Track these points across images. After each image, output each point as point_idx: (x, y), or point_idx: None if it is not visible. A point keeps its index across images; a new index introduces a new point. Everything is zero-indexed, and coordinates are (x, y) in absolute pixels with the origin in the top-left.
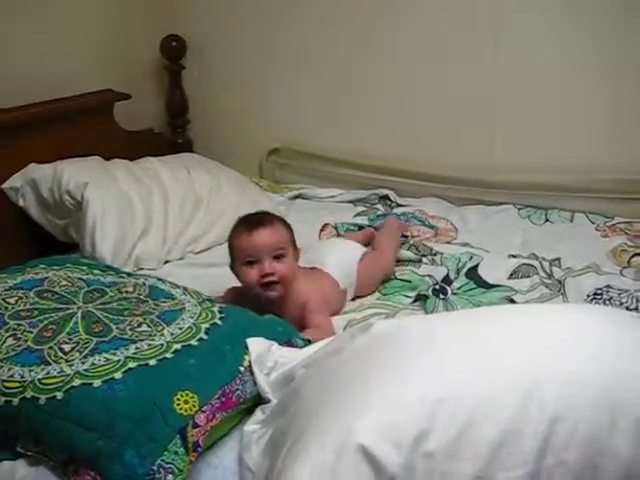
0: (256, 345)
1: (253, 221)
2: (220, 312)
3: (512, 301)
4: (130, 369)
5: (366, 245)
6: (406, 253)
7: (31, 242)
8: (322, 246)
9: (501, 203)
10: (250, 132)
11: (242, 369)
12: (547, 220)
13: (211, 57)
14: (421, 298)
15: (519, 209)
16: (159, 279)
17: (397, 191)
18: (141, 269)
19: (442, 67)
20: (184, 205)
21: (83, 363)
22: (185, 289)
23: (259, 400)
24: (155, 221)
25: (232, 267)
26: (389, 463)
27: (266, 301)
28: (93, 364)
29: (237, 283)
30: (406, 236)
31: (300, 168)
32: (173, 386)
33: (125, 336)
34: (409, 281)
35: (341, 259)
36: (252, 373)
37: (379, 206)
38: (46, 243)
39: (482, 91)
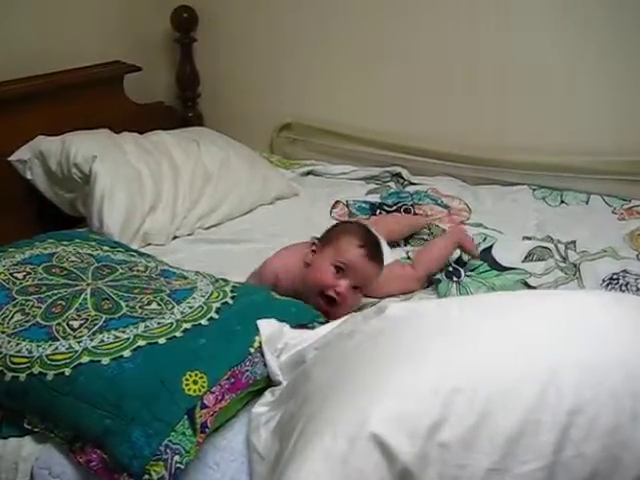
0: (267, 326)
1: (376, 252)
2: (232, 291)
3: (526, 284)
4: (139, 347)
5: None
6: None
7: (39, 216)
8: None
9: (516, 183)
10: (262, 107)
11: (252, 350)
12: (562, 202)
13: (223, 29)
14: (434, 282)
15: (534, 190)
16: (171, 266)
17: (410, 169)
18: (149, 245)
19: (457, 45)
20: (194, 180)
21: (92, 340)
22: (198, 272)
23: (269, 382)
24: (164, 196)
25: (317, 245)
26: (402, 453)
27: (312, 305)
28: (102, 341)
29: (247, 258)
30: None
31: (312, 144)
32: (182, 366)
33: (135, 314)
34: None
35: None
36: (262, 354)
37: (391, 184)
38: (54, 217)
39: (498, 69)
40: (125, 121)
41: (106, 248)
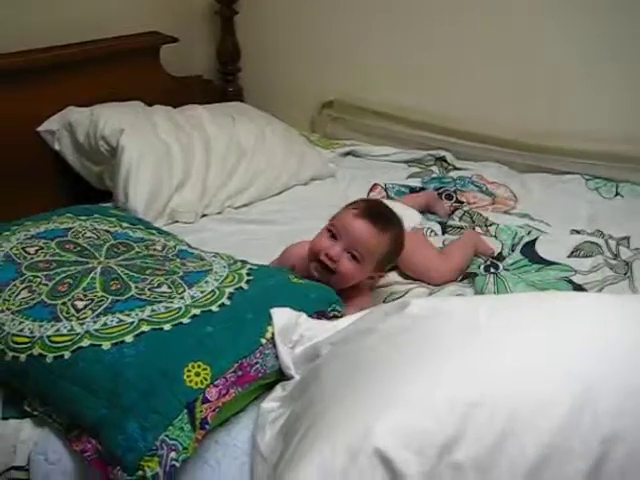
0: (281, 316)
1: (373, 211)
2: (249, 274)
3: (570, 282)
4: (143, 333)
5: (424, 212)
6: (457, 223)
7: (67, 189)
8: None
9: (567, 172)
10: (304, 83)
11: (264, 341)
12: (617, 194)
13: (265, 2)
14: (470, 275)
15: (587, 180)
16: (190, 247)
17: (455, 153)
18: (176, 222)
19: (506, 23)
20: (227, 156)
21: (95, 322)
22: (217, 254)
23: (281, 375)
24: (194, 172)
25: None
26: (409, 472)
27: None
28: (105, 324)
29: (271, 241)
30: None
31: (354, 123)
32: (185, 355)
33: (143, 296)
34: None
35: None
36: (275, 346)
37: (434, 168)
38: (84, 190)
39: (550, 50)
40: (161, 94)
41: (125, 225)
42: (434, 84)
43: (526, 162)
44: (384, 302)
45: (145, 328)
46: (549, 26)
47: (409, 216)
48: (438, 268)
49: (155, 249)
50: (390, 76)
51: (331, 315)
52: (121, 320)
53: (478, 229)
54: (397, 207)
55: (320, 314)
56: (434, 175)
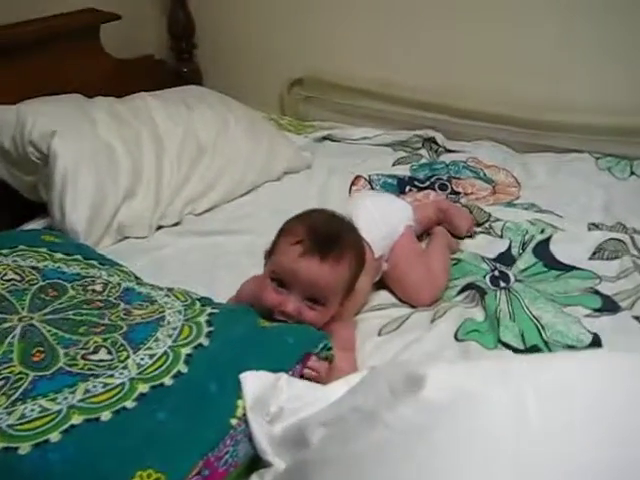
0: (254, 382)
1: (320, 240)
2: (209, 323)
3: (597, 293)
4: (73, 427)
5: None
6: None
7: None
8: (354, 199)
9: (574, 150)
10: (269, 58)
11: (234, 422)
12: (633, 173)
13: None
14: (473, 288)
15: (597, 159)
16: (138, 282)
17: (445, 132)
18: (126, 238)
19: None
20: (182, 154)
21: (9, 414)
22: (170, 290)
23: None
24: (145, 177)
25: (267, 255)
26: None
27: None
28: (23, 416)
29: (244, 255)
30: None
31: (328, 102)
32: (131, 460)
33: (74, 369)
34: (458, 260)
35: (378, 218)
36: (247, 423)
37: (423, 151)
38: (19, 202)
39: (551, 9)
40: (104, 81)
41: (59, 256)
42: (417, 54)
43: (526, 140)
44: (379, 334)
45: (76, 420)
46: None
47: (398, 212)
48: (430, 288)
49: (94, 290)
50: (366, 48)
51: (324, 356)
52: (44, 409)
53: (479, 227)
54: (382, 201)
55: (306, 358)
56: (423, 160)
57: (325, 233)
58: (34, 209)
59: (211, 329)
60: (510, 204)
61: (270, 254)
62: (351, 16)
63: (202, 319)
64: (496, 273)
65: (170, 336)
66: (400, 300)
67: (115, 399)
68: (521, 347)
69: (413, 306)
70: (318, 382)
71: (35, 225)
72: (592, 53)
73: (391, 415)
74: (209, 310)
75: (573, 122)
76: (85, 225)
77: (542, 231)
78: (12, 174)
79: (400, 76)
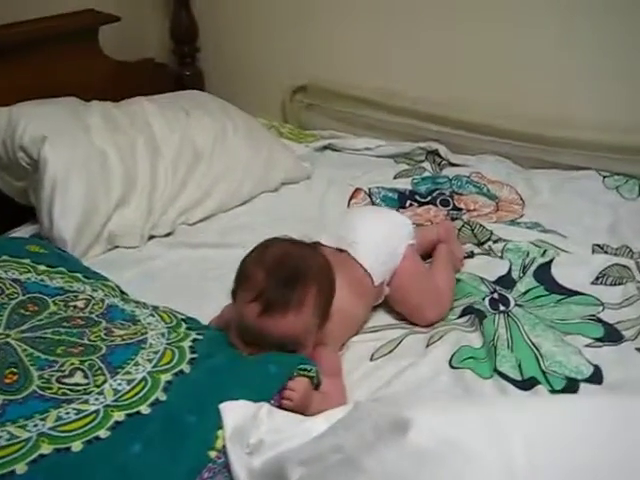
0: (234, 413)
1: (278, 294)
2: (192, 349)
3: (599, 321)
4: (42, 457)
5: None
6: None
7: None
8: (353, 219)
9: (581, 168)
10: (273, 65)
11: (213, 455)
12: None
13: None
14: (472, 312)
15: (604, 177)
16: (123, 298)
17: (449, 145)
18: (117, 247)
19: None
20: (178, 162)
21: None
22: (155, 309)
23: None
24: (139, 185)
25: (233, 295)
26: None
27: None
28: None
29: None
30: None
31: (331, 111)
32: None
33: (47, 392)
34: (458, 280)
35: (379, 239)
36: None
37: (426, 165)
38: (11, 205)
39: (559, 25)
40: (102, 84)
41: (42, 268)
42: (421, 65)
43: (531, 155)
44: (371, 359)
45: (46, 449)
46: None
47: (399, 230)
48: (435, 307)
49: (76, 307)
50: (369, 56)
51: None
52: (13, 436)
53: (479, 249)
54: (382, 219)
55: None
56: (426, 174)
57: (283, 278)
58: (27, 213)
59: (194, 356)
60: (513, 222)
61: (234, 298)
62: (354, 24)
63: (186, 344)
64: (495, 296)
65: (150, 360)
66: (397, 319)
67: (88, 427)
68: (518, 378)
69: (410, 325)
70: (296, 403)
71: (25, 231)
72: (601, 69)
73: (372, 460)
74: (194, 335)
75: (580, 138)
76: (73, 233)
77: (544, 253)
78: (2, 179)
79: (403, 86)
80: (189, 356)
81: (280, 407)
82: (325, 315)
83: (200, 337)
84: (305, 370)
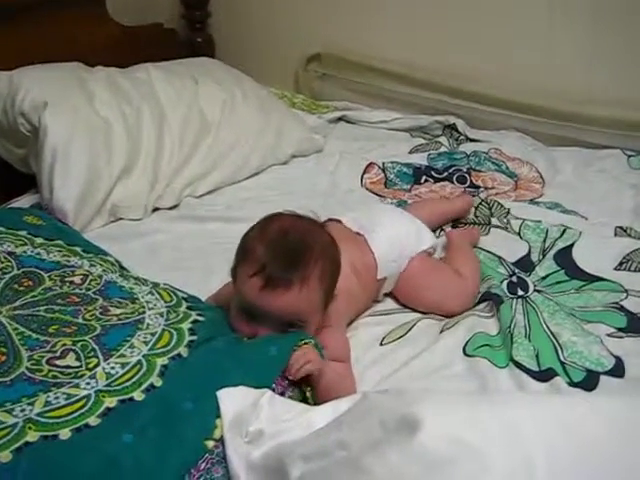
0: (233, 400)
1: (280, 267)
2: (192, 331)
3: (622, 309)
4: (27, 444)
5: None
6: (471, 217)
7: None
8: (380, 213)
9: (605, 146)
10: (286, 32)
11: (210, 444)
12: None
13: None
14: (491, 298)
15: (629, 157)
16: (122, 274)
17: (468, 119)
18: (120, 219)
19: None
20: (185, 131)
21: None
22: (155, 286)
23: None
24: (143, 155)
25: (233, 274)
26: None
27: None
28: None
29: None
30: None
31: (346, 81)
32: None
33: (37, 375)
34: None
35: (396, 236)
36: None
37: (442, 139)
38: (13, 173)
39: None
40: (109, 49)
41: (40, 241)
42: (442, 34)
43: (553, 132)
44: (381, 344)
45: (31, 437)
46: None
47: (416, 234)
48: (455, 298)
49: (72, 282)
50: (390, 25)
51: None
52: None
53: (497, 223)
54: (398, 222)
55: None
56: (443, 149)
57: (286, 253)
58: (29, 180)
59: (193, 338)
60: (533, 202)
61: (234, 273)
62: None
63: (185, 326)
64: (514, 279)
65: (146, 343)
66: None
67: (77, 414)
68: (535, 368)
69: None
70: (315, 363)
71: (26, 200)
72: (629, 45)
73: (378, 462)
74: (194, 316)
75: (605, 115)
76: (74, 204)
77: (563, 233)
78: (3, 146)
79: (424, 57)
80: (188, 339)
81: (283, 394)
82: (330, 293)
83: (201, 318)
84: (306, 343)
